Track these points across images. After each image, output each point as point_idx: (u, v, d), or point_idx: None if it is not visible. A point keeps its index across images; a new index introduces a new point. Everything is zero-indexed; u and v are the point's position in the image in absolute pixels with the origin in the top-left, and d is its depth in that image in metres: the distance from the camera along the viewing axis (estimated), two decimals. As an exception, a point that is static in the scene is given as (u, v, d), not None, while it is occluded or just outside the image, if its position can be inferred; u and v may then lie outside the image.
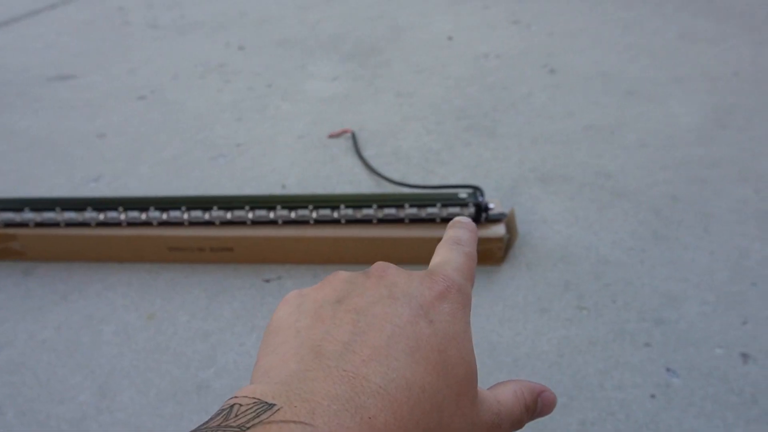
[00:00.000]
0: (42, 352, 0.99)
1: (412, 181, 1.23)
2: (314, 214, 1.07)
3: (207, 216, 1.09)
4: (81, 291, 1.09)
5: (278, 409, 0.26)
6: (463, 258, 0.36)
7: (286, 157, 1.41)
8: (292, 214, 1.08)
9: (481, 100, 1.57)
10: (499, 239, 1.02)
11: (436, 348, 0.30)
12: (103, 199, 1.12)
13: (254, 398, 0.27)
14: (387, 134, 1.45)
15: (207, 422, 0.26)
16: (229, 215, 1.09)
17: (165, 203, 1.10)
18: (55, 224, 1.12)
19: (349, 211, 1.06)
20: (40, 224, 1.13)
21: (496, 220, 1.04)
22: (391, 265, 0.35)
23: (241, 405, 0.27)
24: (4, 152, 1.51)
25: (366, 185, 1.28)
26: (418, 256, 1.04)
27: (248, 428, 0.25)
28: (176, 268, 1.12)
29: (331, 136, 1.44)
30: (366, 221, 1.06)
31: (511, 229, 1.04)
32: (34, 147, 1.52)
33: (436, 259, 0.37)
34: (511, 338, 0.94)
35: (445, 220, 1.04)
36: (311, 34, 2.10)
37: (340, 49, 1.91)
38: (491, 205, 1.04)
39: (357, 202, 1.06)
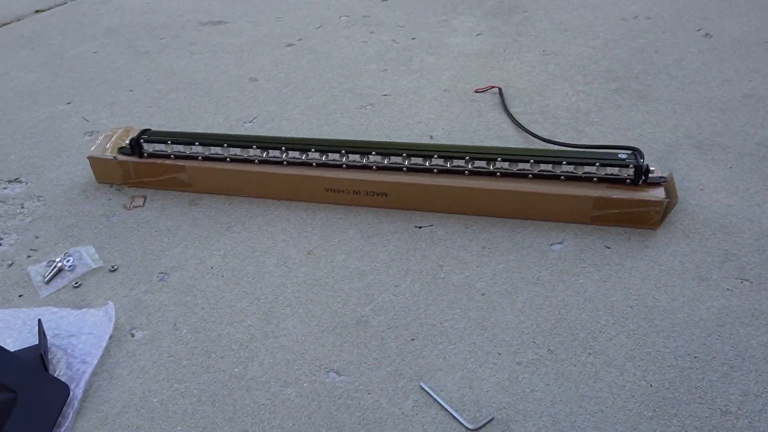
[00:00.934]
0: (210, 278, 1.05)
1: (560, 140, 1.23)
2: (470, 166, 1.09)
3: (365, 160, 1.13)
4: (243, 224, 1.16)
5: None
6: None
7: (432, 109, 1.43)
8: (448, 164, 1.10)
9: (631, 62, 1.55)
10: (658, 203, 1.02)
11: None
12: (267, 138, 1.18)
13: None
14: (533, 92, 1.45)
15: None
16: (386, 161, 1.12)
17: (325, 146, 1.14)
18: (222, 159, 1.19)
19: (505, 165, 1.08)
20: (207, 158, 1.20)
21: (655, 183, 1.04)
22: None
23: None
24: (165, 91, 1.59)
25: (514, 141, 1.29)
26: (570, 213, 1.06)
27: None
28: (331, 209, 1.17)
29: (477, 91, 1.46)
30: (521, 176, 1.08)
31: (670, 193, 1.04)
32: (191, 87, 1.60)
33: None
34: (667, 303, 0.95)
35: (603, 180, 1.04)
36: (453, -11, 2.10)
37: (482, 4, 1.91)
38: (652, 168, 1.04)
39: (513, 156, 1.07)
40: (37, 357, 0.90)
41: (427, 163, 1.11)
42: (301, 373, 0.90)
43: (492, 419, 0.83)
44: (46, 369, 0.90)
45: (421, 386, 0.87)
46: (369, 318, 0.97)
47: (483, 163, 1.09)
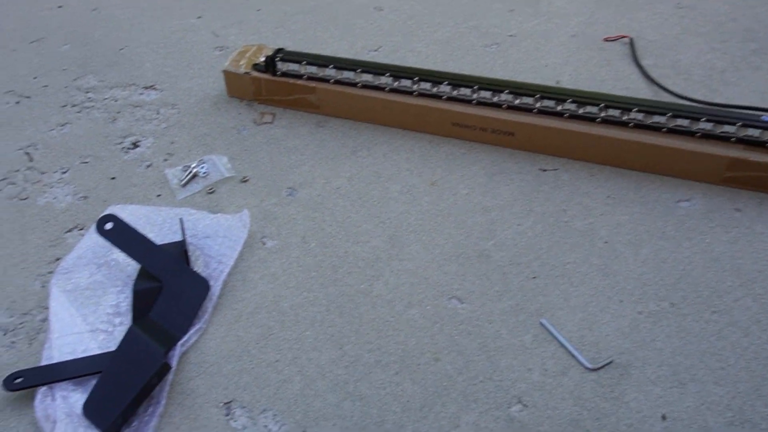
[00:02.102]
0: (337, 198, 1.09)
1: (693, 97, 1.22)
2: (602, 114, 1.09)
3: (495, 98, 1.14)
4: (369, 149, 1.19)
5: None
6: None
7: (560, 54, 1.42)
8: (581, 110, 1.10)
9: (770, 23, 1.50)
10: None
11: None
12: (399, 68, 1.20)
13: None
14: (665, 46, 1.42)
15: None
16: (517, 101, 1.13)
17: (456, 80, 1.15)
18: (353, 84, 1.22)
19: (639, 116, 1.08)
20: (338, 82, 1.23)
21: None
22: None
23: None
24: (291, 12, 1.62)
25: (643, 94, 1.28)
26: (701, 172, 1.05)
27: None
28: (455, 144, 1.19)
29: (607, 40, 1.44)
30: (655, 128, 1.07)
31: (810, 161, 1.02)
32: (317, 11, 1.62)
33: None
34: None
35: (741, 141, 1.03)
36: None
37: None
38: (794, 133, 1.02)
39: (649, 108, 1.07)
40: (180, 252, 0.95)
41: (559, 107, 1.11)
42: (425, 297, 0.94)
43: (611, 362, 0.85)
44: (188, 264, 0.95)
45: (541, 323, 0.90)
46: (491, 252, 0.99)
47: (617, 113, 1.09)
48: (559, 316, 0.90)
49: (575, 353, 0.86)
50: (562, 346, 0.87)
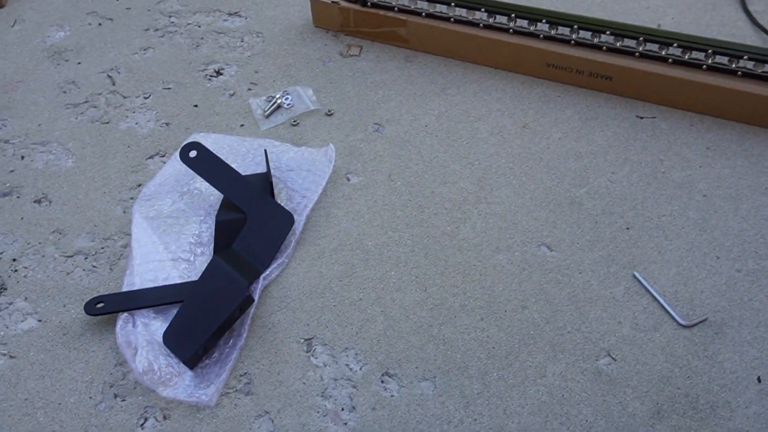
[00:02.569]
0: (425, 136, 1.06)
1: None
2: (709, 60, 1.03)
3: (595, 40, 1.08)
4: (458, 87, 1.15)
5: None
6: None
7: (661, -4, 1.34)
8: (686, 56, 1.04)
9: None
10: None
11: None
12: (495, 3, 1.14)
13: None
14: (775, -9, 1.33)
15: None
16: (618, 43, 1.07)
17: (555, 18, 1.10)
18: (445, 18, 1.17)
19: (750, 64, 1.01)
20: (430, 15, 1.18)
21: None
22: None
23: None
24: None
25: (750, 42, 1.20)
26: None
27: None
28: (549, 85, 1.14)
29: (713, -17, 1.35)
30: (765, 78, 1.00)
31: None
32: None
33: None
34: None
35: None
36: None
37: None
38: None
39: (762, 56, 1.00)
40: (264, 184, 0.94)
41: (663, 52, 1.05)
42: (513, 242, 0.91)
43: (706, 319, 0.81)
44: (272, 196, 0.94)
45: (634, 275, 0.86)
46: (583, 200, 0.95)
47: (725, 60, 1.02)
48: (652, 269, 0.86)
49: (669, 308, 0.82)
50: (655, 300, 0.83)
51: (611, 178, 0.98)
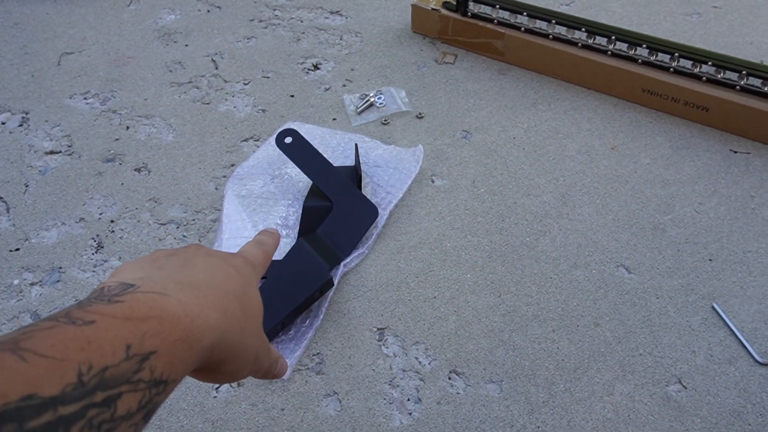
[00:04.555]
0: (511, 147, 1.07)
1: None
2: (813, 101, 1.00)
3: (696, 69, 1.08)
4: (549, 104, 1.15)
5: (138, 287, 0.35)
6: (261, 253, 0.51)
7: None
8: (790, 93, 1.02)
9: None
10: None
11: (240, 282, 0.43)
12: (596, 24, 1.15)
13: (119, 282, 0.36)
14: None
15: (89, 302, 0.33)
16: (719, 75, 1.06)
17: (656, 44, 1.09)
18: (544, 35, 1.18)
19: None
20: (529, 30, 1.19)
21: None
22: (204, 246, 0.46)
23: (109, 286, 0.36)
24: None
25: None
26: None
27: (119, 299, 0.33)
28: (642, 111, 1.14)
29: (822, 25, 1.32)
30: None
31: None
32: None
33: (240, 249, 0.50)
34: None
35: None
36: None
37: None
38: None
39: None
40: (352, 176, 0.96)
41: (766, 88, 1.04)
42: (591, 260, 0.91)
43: (785, 360, 0.80)
44: (359, 189, 0.96)
45: (713, 306, 0.85)
46: (667, 227, 0.95)
47: (829, 101, 1.00)
48: (732, 303, 0.85)
49: (746, 344, 0.81)
50: (732, 334, 0.83)
51: (698, 209, 0.97)
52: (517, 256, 0.91)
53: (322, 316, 0.83)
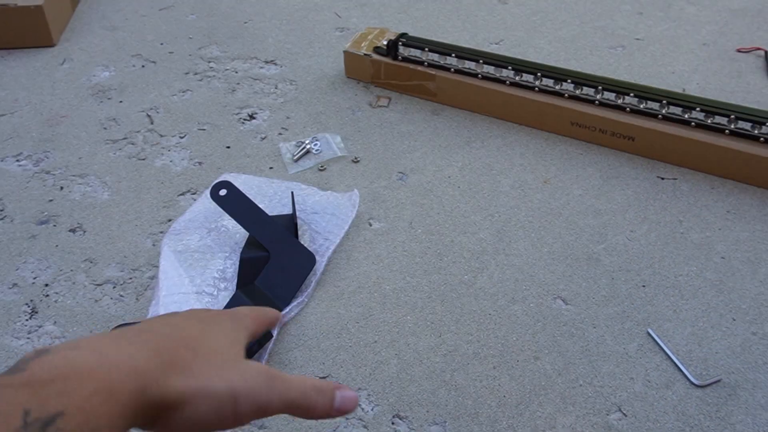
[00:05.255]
0: (447, 186, 1.09)
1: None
2: (732, 126, 1.05)
3: (619, 101, 1.11)
4: (483, 141, 1.18)
5: (50, 350, 0.33)
6: (249, 312, 0.48)
7: (688, 62, 1.37)
8: (709, 120, 1.06)
9: None
10: None
11: (197, 327, 0.40)
12: (522, 62, 1.18)
13: (35, 350, 0.33)
14: (802, 62, 1.35)
15: None
16: (642, 105, 1.10)
17: (581, 79, 1.13)
18: (473, 74, 1.21)
19: (772, 132, 1.02)
20: (459, 71, 1.22)
21: None
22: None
23: (24, 357, 0.33)
24: (415, 0, 1.62)
25: (774, 109, 1.21)
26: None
27: (21, 368, 0.31)
28: (572, 143, 1.17)
29: (740, 51, 1.38)
30: (787, 146, 1.02)
31: None
32: (441, 0, 1.61)
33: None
34: None
35: None
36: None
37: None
38: None
39: (783, 123, 1.01)
40: (289, 225, 0.97)
41: (686, 115, 1.07)
42: (529, 294, 0.92)
43: (719, 380, 0.82)
44: (296, 237, 0.97)
45: (648, 332, 0.87)
46: (600, 256, 0.97)
47: (747, 125, 1.04)
48: (666, 328, 0.87)
49: (682, 367, 0.83)
50: (669, 358, 0.84)
51: (629, 236, 0.99)
52: (456, 294, 0.92)
53: (262, 369, 0.82)
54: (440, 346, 0.86)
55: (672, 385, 0.81)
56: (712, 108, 1.05)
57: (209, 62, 1.41)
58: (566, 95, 1.14)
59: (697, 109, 1.06)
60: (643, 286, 0.93)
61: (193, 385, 0.35)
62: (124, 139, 1.21)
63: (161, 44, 1.48)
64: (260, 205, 0.99)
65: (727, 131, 1.05)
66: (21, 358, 0.33)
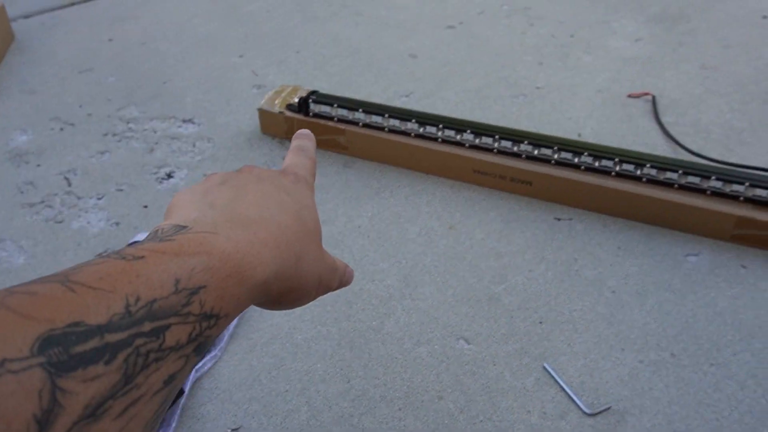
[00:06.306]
0: (357, 236, 1.14)
1: (709, 155, 1.25)
2: (617, 168, 1.13)
3: (515, 148, 1.19)
4: (392, 191, 1.24)
5: (190, 228, 0.38)
6: (306, 160, 0.52)
7: (584, 108, 1.46)
8: (596, 163, 1.14)
9: (794, 87, 1.53)
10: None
11: (294, 208, 0.44)
12: (425, 115, 1.25)
13: (171, 224, 0.39)
14: (687, 104, 1.46)
15: (141, 242, 0.35)
16: (536, 152, 1.17)
17: (480, 129, 1.20)
18: (380, 128, 1.27)
19: (653, 172, 1.11)
20: (367, 125, 1.28)
21: (803, 211, 1.05)
22: (256, 165, 0.48)
23: (163, 229, 0.38)
24: (329, 56, 1.69)
25: (661, 150, 1.31)
26: (710, 228, 1.08)
27: (171, 239, 0.36)
28: (476, 190, 1.24)
29: (631, 96, 1.48)
30: (667, 184, 1.11)
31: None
32: (354, 56, 1.69)
33: (286, 162, 0.52)
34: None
35: (749, 201, 1.06)
36: (617, -9, 2.11)
37: (646, 10, 1.91)
38: (803, 196, 1.05)
39: (662, 164, 1.10)
40: (203, 281, 1.00)
41: (576, 159, 1.15)
42: (434, 336, 0.97)
43: (609, 408, 0.88)
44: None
45: (544, 366, 0.93)
46: (501, 296, 1.03)
47: (631, 167, 1.12)
48: (561, 361, 0.93)
49: (575, 398, 0.89)
50: (563, 390, 0.90)
51: (528, 276, 1.06)
52: (365, 340, 0.96)
53: (174, 425, 0.85)
54: (349, 392, 0.90)
55: (566, 416, 0.87)
56: (599, 152, 1.13)
57: (128, 123, 1.45)
58: (467, 145, 1.21)
59: (586, 153, 1.13)
60: (540, 322, 0.99)
61: (303, 273, 0.43)
62: (42, 202, 1.23)
63: (80, 107, 1.51)
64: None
65: (613, 173, 1.13)
66: (159, 227, 0.39)
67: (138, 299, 0.30)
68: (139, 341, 0.29)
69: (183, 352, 0.32)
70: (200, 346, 0.33)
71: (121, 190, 1.26)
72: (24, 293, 0.27)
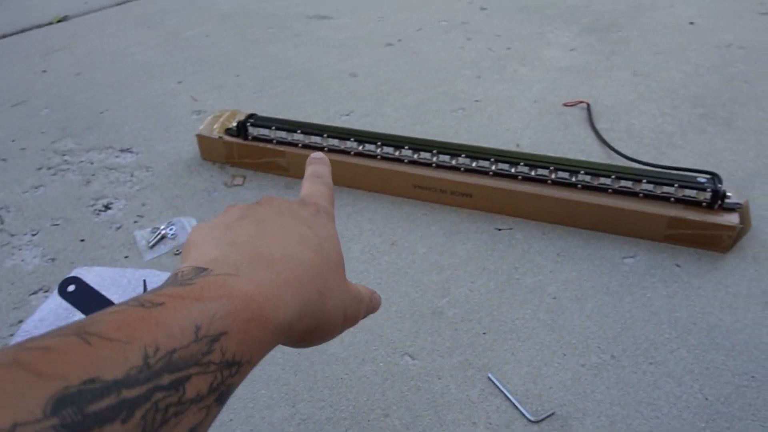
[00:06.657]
0: (300, 257, 1.13)
1: (642, 159, 1.28)
2: (553, 176, 1.14)
3: (454, 162, 1.20)
4: (334, 210, 1.23)
5: (211, 270, 0.36)
6: (324, 188, 0.52)
7: (521, 118, 1.48)
8: (533, 172, 1.16)
9: (720, 90, 1.57)
10: (731, 228, 1.06)
11: (315, 242, 0.43)
12: (363, 132, 1.25)
13: (191, 266, 0.37)
14: (620, 111, 1.49)
15: (161, 287, 0.34)
16: (474, 164, 1.19)
17: (417, 144, 1.21)
18: (319, 148, 1.27)
19: (587, 178, 1.13)
20: (306, 146, 1.28)
21: (730, 209, 1.07)
22: (275, 196, 0.47)
23: (183, 272, 0.37)
24: (270, 78, 1.69)
25: (597, 156, 1.33)
26: (645, 230, 1.10)
27: (191, 282, 0.34)
28: (417, 205, 1.24)
29: (566, 105, 1.50)
30: (601, 189, 1.12)
31: (744, 220, 1.07)
32: (294, 77, 1.69)
33: (304, 191, 0.51)
34: (730, 324, 0.98)
35: (680, 201, 1.08)
36: (551, 3, 2.15)
37: (579, 21, 1.95)
38: (729, 194, 1.07)
39: (596, 170, 1.12)
40: (143, 311, 0.99)
41: (513, 170, 1.17)
42: (378, 354, 0.97)
43: (553, 414, 0.88)
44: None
45: (488, 377, 0.93)
46: (445, 309, 1.03)
47: (566, 175, 1.14)
48: (505, 370, 0.94)
49: (519, 406, 0.89)
50: (507, 399, 0.90)
51: (470, 287, 1.07)
52: (309, 362, 0.96)
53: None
54: (294, 416, 0.90)
55: (511, 424, 0.88)
56: (533, 162, 1.15)
57: (63, 155, 1.43)
58: (406, 161, 1.22)
59: (522, 163, 1.15)
60: (484, 333, 0.99)
61: (328, 310, 0.41)
62: (-24, 241, 1.20)
63: (12, 141, 1.48)
64: (113, 296, 1.01)
65: (549, 181, 1.14)
66: (179, 270, 0.37)
67: (157, 349, 0.29)
68: (157, 395, 0.28)
69: (204, 404, 0.31)
70: (222, 395, 0.32)
71: (57, 224, 1.24)
72: (37, 348, 0.26)
